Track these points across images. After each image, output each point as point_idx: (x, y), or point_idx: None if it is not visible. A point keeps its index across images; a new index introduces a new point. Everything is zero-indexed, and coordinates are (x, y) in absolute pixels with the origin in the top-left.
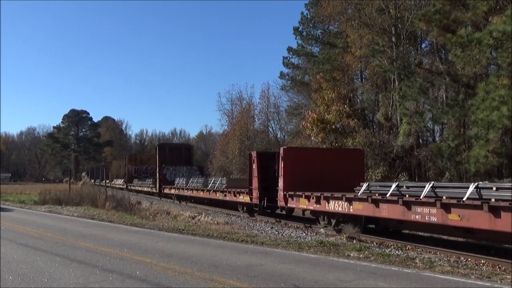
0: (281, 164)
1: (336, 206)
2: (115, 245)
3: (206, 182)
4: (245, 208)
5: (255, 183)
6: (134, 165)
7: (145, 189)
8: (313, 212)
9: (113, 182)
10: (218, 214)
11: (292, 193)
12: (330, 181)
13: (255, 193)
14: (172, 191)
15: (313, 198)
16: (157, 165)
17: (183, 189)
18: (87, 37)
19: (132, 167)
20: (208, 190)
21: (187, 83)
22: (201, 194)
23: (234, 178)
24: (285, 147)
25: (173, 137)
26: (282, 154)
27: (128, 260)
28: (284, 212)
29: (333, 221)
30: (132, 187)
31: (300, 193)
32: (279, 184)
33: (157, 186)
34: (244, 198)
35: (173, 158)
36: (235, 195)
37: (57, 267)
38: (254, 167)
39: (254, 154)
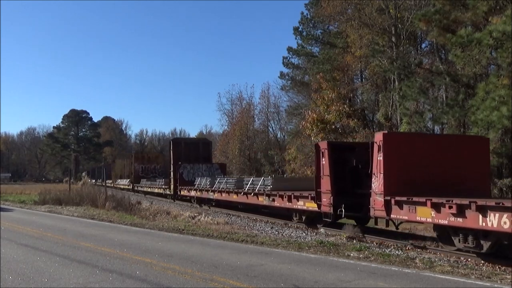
0: (378, 157)
1: (502, 222)
2: (115, 245)
3: (241, 183)
4: (303, 218)
5: (325, 184)
6: (141, 164)
7: (156, 190)
8: (444, 228)
9: (117, 183)
10: (218, 214)
11: (403, 198)
12: (450, 180)
13: (327, 198)
14: (192, 193)
15: (448, 206)
16: (171, 162)
17: (206, 190)
18: (87, 37)
19: (139, 166)
20: (246, 193)
21: (187, 83)
22: (234, 198)
23: (280, 177)
24: (385, 132)
25: (173, 137)
26: (380, 142)
27: (128, 260)
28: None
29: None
30: (140, 188)
31: (423, 199)
32: (372, 185)
33: (172, 187)
34: (306, 205)
35: (189, 154)
36: (290, 200)
37: (57, 267)
38: (323, 162)
39: (323, 145)
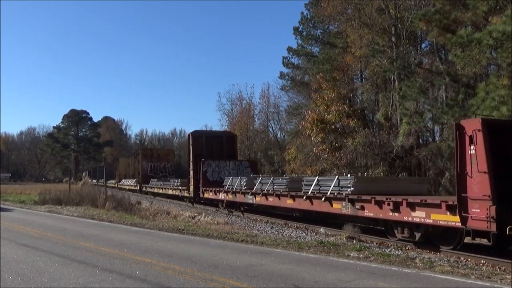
0: None
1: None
2: (115, 245)
3: (297, 184)
4: (416, 235)
5: (479, 186)
6: (149, 162)
7: (170, 191)
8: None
9: (121, 183)
10: (218, 214)
11: None
12: None
13: (482, 208)
14: (220, 195)
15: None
16: (191, 159)
17: (243, 193)
18: (87, 37)
19: (147, 165)
20: (310, 197)
21: (187, 83)
22: (288, 203)
23: (363, 177)
24: None
25: (173, 137)
26: None
27: (128, 260)
28: None
29: None
30: (149, 189)
31: None
32: None
33: (192, 188)
34: (432, 217)
35: (212, 150)
36: (395, 209)
37: (57, 267)
38: (472, 152)
39: (473, 124)
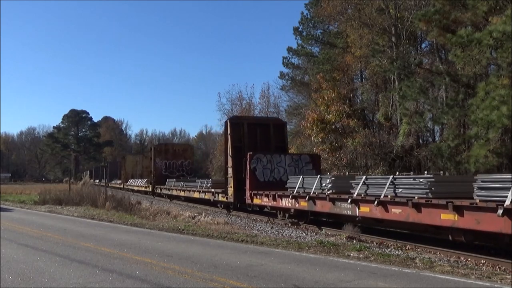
0: None
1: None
2: (115, 245)
3: (459, 185)
4: None
5: None
6: (164, 159)
7: (196, 194)
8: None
9: (128, 183)
10: (218, 214)
11: None
12: None
13: None
14: (283, 202)
15: None
16: (229, 153)
17: (331, 199)
18: (87, 37)
19: (161, 162)
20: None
21: (187, 83)
22: (447, 220)
23: None
24: None
25: (173, 137)
26: None
27: (128, 260)
28: None
29: None
30: (165, 191)
31: None
32: None
33: (231, 192)
34: None
35: (255, 141)
36: None
37: (57, 267)
38: None
39: None
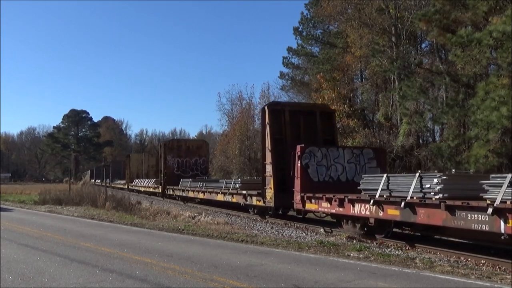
0: None
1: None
2: (115, 245)
3: None
4: None
5: None
6: (176, 156)
7: (219, 197)
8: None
9: (134, 184)
10: (218, 214)
11: None
12: None
13: None
14: (357, 209)
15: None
16: (267, 147)
17: (449, 207)
18: (87, 37)
19: (173, 160)
20: None
21: (187, 83)
22: None
23: None
24: None
25: (173, 137)
26: None
27: (128, 260)
28: None
29: None
30: (178, 192)
31: None
32: None
33: (272, 194)
34: None
35: (299, 132)
36: None
37: (57, 267)
38: None
39: None
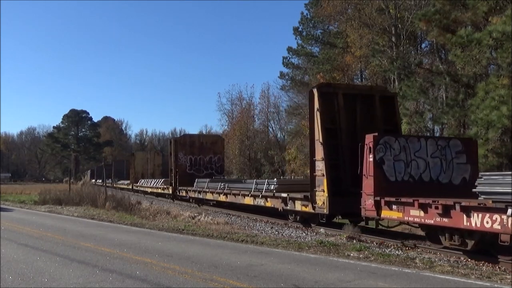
0: None
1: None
2: (115, 245)
3: None
4: None
5: None
6: (189, 154)
7: (247, 200)
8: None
9: (139, 184)
10: (218, 214)
11: None
12: None
13: None
14: (476, 221)
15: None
16: (318, 139)
17: None
18: (87, 37)
19: (185, 158)
20: None
21: (187, 83)
22: None
23: None
24: None
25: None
26: None
27: (128, 260)
28: None
29: None
30: (193, 194)
31: None
32: None
33: (325, 197)
34: None
35: (354, 120)
36: None
37: (57, 267)
38: None
39: None
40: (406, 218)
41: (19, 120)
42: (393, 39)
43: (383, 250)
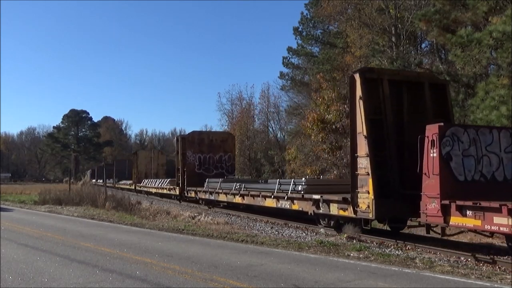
0: None
1: None
2: (115, 245)
3: None
4: None
5: None
6: (198, 152)
7: (268, 202)
8: None
9: (143, 184)
10: (218, 214)
11: None
12: None
13: None
14: None
15: None
16: (362, 132)
17: None
18: (87, 37)
19: (194, 157)
20: None
21: (187, 83)
22: None
23: None
24: None
25: (173, 137)
26: None
27: (128, 260)
28: None
29: None
30: (202, 196)
31: None
32: None
33: (370, 200)
34: None
35: (401, 111)
36: None
37: (57, 267)
38: None
39: None
40: (486, 226)
41: (19, 120)
42: (393, 39)
43: (383, 250)
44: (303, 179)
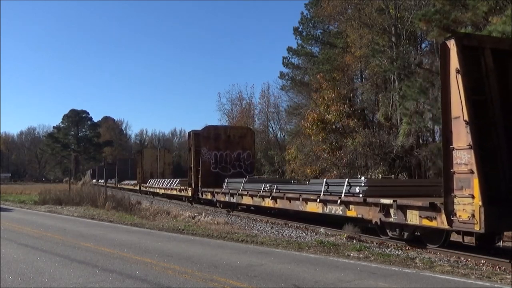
0: None
1: None
2: (115, 245)
3: None
4: None
5: None
6: (214, 149)
7: (311, 207)
8: None
9: (148, 184)
10: (218, 214)
11: None
12: None
13: None
14: None
15: None
16: (462, 116)
17: None
18: (87, 37)
19: (209, 154)
20: None
21: (187, 83)
22: None
23: None
24: None
25: (173, 137)
26: None
27: (128, 260)
28: None
29: None
30: (221, 198)
31: None
32: None
33: (476, 207)
34: None
35: (507, 87)
36: None
37: (57, 267)
38: None
39: None
40: None
41: (19, 120)
42: (393, 39)
43: (383, 250)
44: (363, 178)
